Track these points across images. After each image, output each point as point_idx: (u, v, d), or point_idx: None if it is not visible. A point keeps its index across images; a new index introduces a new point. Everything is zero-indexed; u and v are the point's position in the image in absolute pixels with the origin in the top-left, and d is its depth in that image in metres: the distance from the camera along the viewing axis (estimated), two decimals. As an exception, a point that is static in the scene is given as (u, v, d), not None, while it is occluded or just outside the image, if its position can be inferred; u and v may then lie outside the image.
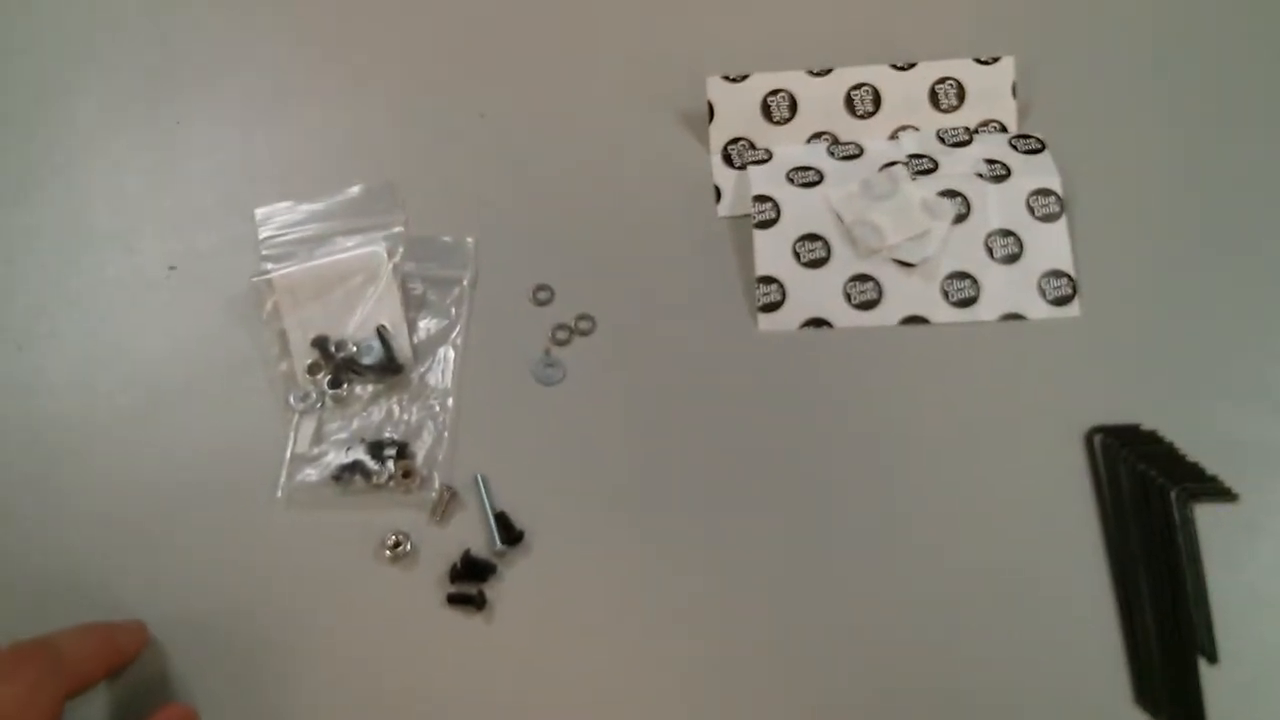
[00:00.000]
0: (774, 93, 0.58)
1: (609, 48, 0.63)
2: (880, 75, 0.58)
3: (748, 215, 0.56)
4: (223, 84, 0.62)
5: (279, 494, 0.50)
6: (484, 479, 0.50)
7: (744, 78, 0.58)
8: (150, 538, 0.50)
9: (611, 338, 0.54)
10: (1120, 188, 0.57)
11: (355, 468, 0.50)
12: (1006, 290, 0.54)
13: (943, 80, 0.58)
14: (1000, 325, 0.53)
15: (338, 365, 0.52)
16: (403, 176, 0.58)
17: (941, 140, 0.57)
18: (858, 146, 0.58)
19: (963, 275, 0.54)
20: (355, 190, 0.57)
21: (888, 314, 0.53)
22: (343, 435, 0.51)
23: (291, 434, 0.51)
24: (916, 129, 0.58)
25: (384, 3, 0.64)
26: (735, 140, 0.59)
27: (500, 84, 0.62)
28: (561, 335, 0.54)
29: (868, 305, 0.54)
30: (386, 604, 0.48)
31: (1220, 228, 0.55)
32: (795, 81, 0.58)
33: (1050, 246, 0.54)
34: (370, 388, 0.52)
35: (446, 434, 0.51)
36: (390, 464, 0.50)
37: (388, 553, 0.48)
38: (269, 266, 0.54)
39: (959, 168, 0.56)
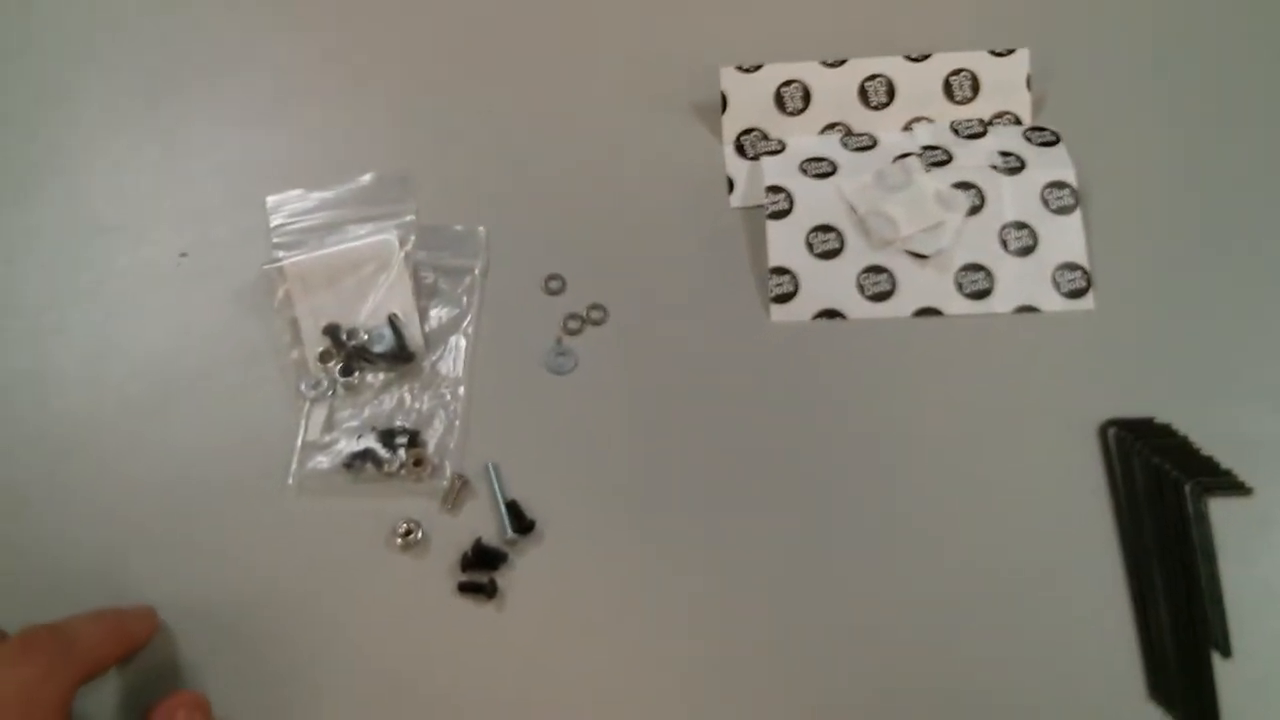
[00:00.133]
0: (787, 83, 0.58)
1: (622, 38, 0.62)
2: (894, 66, 0.58)
3: (760, 206, 0.55)
4: (232, 78, 0.62)
5: (290, 481, 0.50)
6: (495, 467, 0.50)
7: (757, 68, 0.58)
8: (161, 524, 0.50)
9: (623, 328, 0.54)
10: (1136, 180, 0.56)
11: (366, 455, 0.50)
12: (1020, 283, 0.53)
13: (957, 72, 0.58)
14: (1014, 318, 0.53)
15: (349, 353, 0.52)
16: (414, 166, 0.58)
17: (956, 132, 0.57)
18: (871, 138, 0.58)
19: (977, 267, 0.54)
20: (366, 179, 0.57)
21: (901, 306, 0.53)
22: (354, 423, 0.51)
23: (303, 421, 0.51)
24: (931, 120, 0.58)
25: (396, -8, 0.64)
26: (748, 131, 0.58)
27: (512, 74, 0.61)
28: (573, 325, 0.53)
29: (881, 297, 0.53)
30: (397, 592, 0.48)
31: (1236, 222, 0.55)
32: (809, 72, 0.58)
33: (1065, 239, 0.54)
34: (381, 376, 0.52)
35: (458, 422, 0.51)
36: (402, 452, 0.50)
37: (399, 541, 0.48)
38: (280, 254, 0.54)
39: (973, 160, 0.56)
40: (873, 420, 0.51)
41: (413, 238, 0.54)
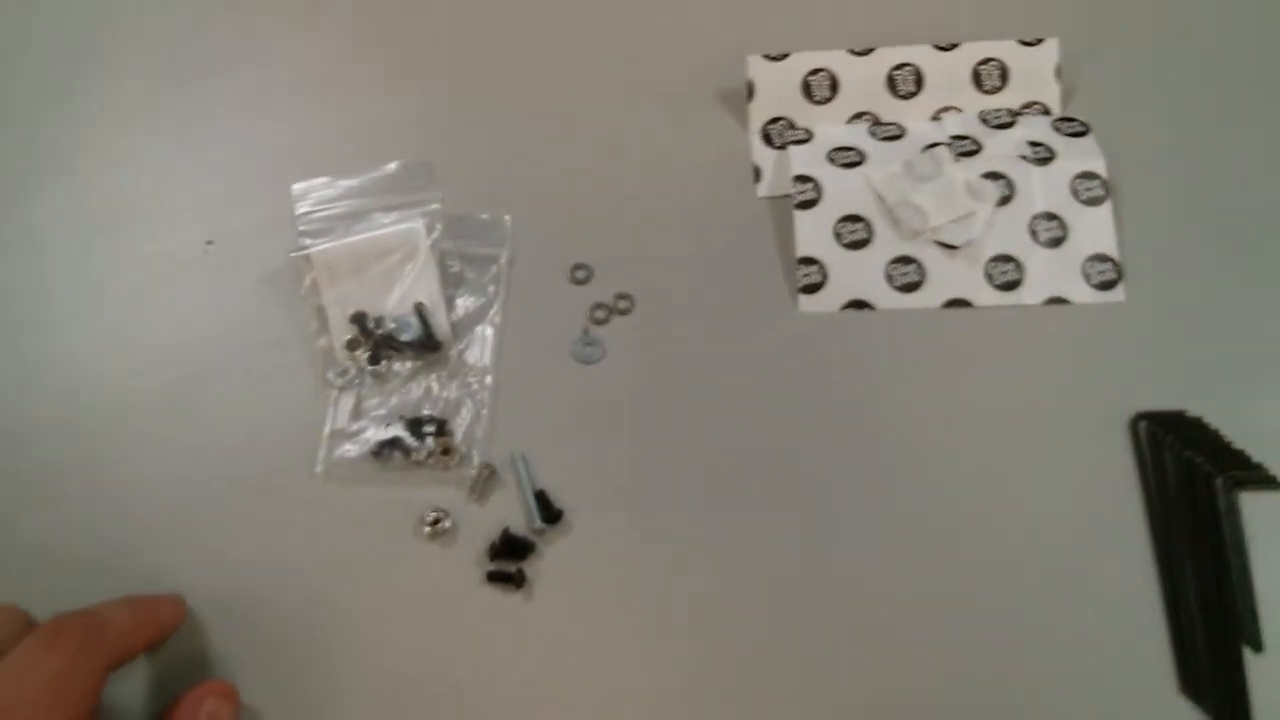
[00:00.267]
0: (815, 72, 0.57)
1: (649, 26, 0.62)
2: (923, 55, 0.57)
3: (787, 195, 0.55)
4: (257, 66, 0.61)
5: (318, 469, 0.50)
6: (523, 457, 0.50)
7: (785, 56, 0.57)
8: (188, 513, 0.50)
9: (650, 317, 0.53)
10: (1166, 171, 0.56)
11: (394, 444, 0.50)
12: (1050, 274, 0.53)
13: (986, 61, 0.57)
14: (1044, 309, 0.53)
15: (376, 342, 0.52)
16: (439, 154, 0.57)
17: (984, 122, 0.57)
18: (900, 127, 0.57)
19: (1006, 258, 0.53)
20: (392, 167, 0.57)
21: (930, 297, 0.53)
22: (381, 411, 0.51)
23: (330, 410, 0.51)
24: (959, 110, 0.58)
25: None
26: (775, 120, 0.58)
27: (538, 61, 0.61)
28: (600, 314, 0.53)
29: (910, 288, 0.53)
30: (425, 581, 0.48)
31: (1269, 213, 0.55)
32: (837, 61, 0.57)
33: (1095, 230, 0.53)
34: (409, 364, 0.52)
35: (485, 411, 0.51)
36: (429, 441, 0.49)
37: (427, 530, 0.48)
38: (307, 242, 0.54)
39: (1002, 150, 0.55)
40: (901, 412, 0.51)
41: (439, 226, 0.54)
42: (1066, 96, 0.58)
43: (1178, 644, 0.46)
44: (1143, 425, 0.50)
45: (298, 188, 0.56)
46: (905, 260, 0.53)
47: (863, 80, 0.57)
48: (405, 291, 0.53)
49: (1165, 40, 0.60)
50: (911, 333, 0.52)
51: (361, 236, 0.54)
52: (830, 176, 0.55)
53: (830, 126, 0.58)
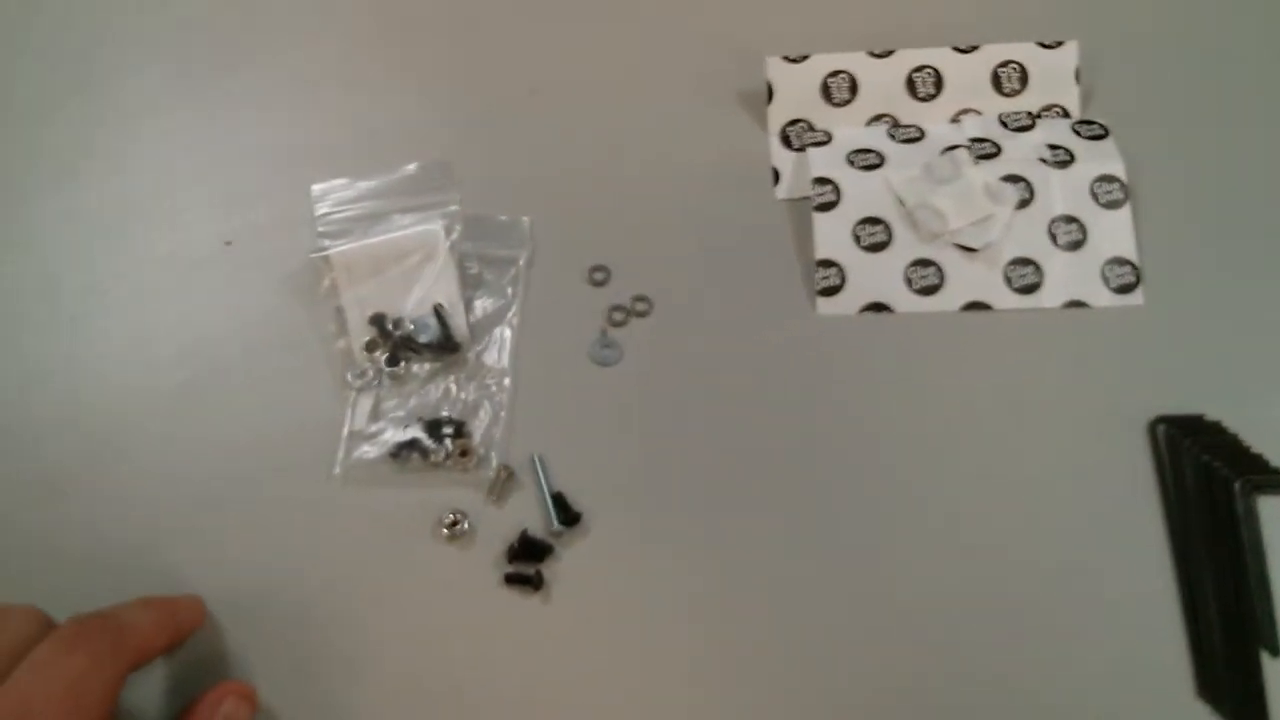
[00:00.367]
0: (834, 74, 0.57)
1: (667, 27, 0.62)
2: (942, 58, 0.57)
3: (806, 198, 0.55)
4: (276, 65, 0.61)
5: (336, 470, 0.50)
6: (541, 459, 0.50)
7: (804, 58, 0.57)
8: (206, 513, 0.50)
9: (668, 320, 0.53)
10: (1185, 175, 0.56)
11: (413, 446, 0.50)
12: (1069, 277, 0.53)
13: (1005, 64, 0.57)
14: (1063, 313, 0.53)
15: (395, 343, 0.52)
16: (458, 155, 0.57)
17: (1004, 124, 0.57)
18: (919, 129, 0.57)
19: (1025, 261, 0.53)
20: (411, 168, 0.57)
21: (949, 299, 0.53)
22: (400, 413, 0.51)
23: (349, 411, 0.51)
24: (979, 113, 0.57)
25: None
26: (794, 122, 0.58)
27: (553, 63, 0.61)
28: (618, 316, 0.53)
29: (929, 290, 0.53)
30: (443, 583, 0.48)
31: (1288, 217, 0.55)
32: (856, 63, 0.57)
33: (1114, 234, 0.53)
34: (427, 366, 0.52)
35: (503, 413, 0.51)
36: (448, 442, 0.49)
37: (445, 531, 0.48)
38: (326, 243, 0.54)
39: (1022, 152, 0.55)
40: (920, 414, 0.51)
41: (458, 228, 0.54)
42: (1086, 99, 0.58)
43: (1195, 648, 0.46)
44: (1161, 429, 0.50)
45: (317, 189, 0.56)
46: (924, 263, 0.53)
47: (882, 82, 0.57)
48: (424, 293, 0.53)
49: (1185, 43, 0.60)
50: (930, 336, 0.52)
51: (381, 238, 0.54)
52: (849, 179, 0.55)
53: (849, 129, 0.57)
